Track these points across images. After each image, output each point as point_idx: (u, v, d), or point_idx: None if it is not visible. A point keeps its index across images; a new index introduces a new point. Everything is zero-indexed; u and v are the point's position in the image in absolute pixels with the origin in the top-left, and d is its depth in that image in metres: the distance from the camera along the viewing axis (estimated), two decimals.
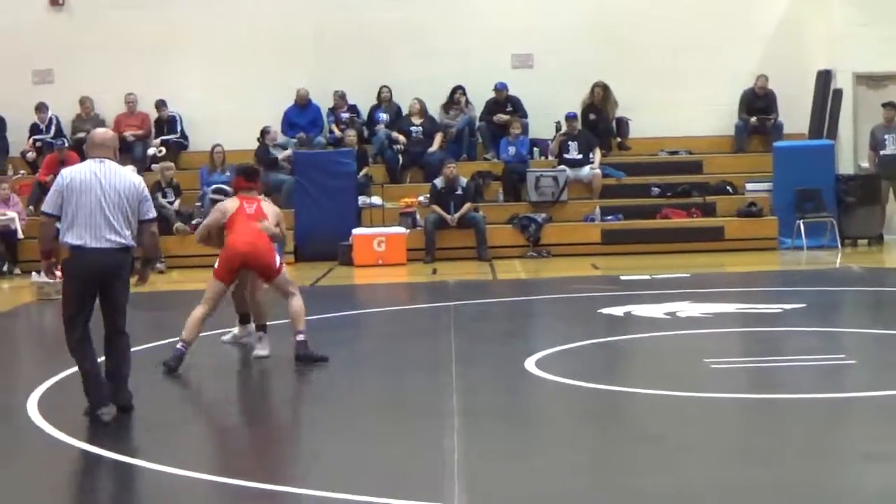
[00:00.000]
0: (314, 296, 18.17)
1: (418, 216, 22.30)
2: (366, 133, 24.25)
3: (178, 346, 11.34)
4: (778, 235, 22.27)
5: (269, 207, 11.97)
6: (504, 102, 24.18)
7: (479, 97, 24.27)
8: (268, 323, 12.20)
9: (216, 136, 23.31)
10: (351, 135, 23.45)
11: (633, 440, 8.59)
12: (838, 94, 23.50)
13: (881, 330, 13.01)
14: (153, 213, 9.58)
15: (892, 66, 23.64)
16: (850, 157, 23.83)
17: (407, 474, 7.76)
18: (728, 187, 23.43)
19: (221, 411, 10.34)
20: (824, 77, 23.67)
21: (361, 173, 23.02)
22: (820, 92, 23.69)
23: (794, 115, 23.94)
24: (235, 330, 12.97)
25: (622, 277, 18.41)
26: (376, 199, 22.85)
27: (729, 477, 7.53)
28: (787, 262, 20.67)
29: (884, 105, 22.75)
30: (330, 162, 22.73)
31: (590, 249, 22.06)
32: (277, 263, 11.58)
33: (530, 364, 11.17)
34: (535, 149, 24.05)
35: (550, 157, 23.68)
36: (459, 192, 21.96)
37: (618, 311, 14.55)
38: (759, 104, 24.26)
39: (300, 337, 11.52)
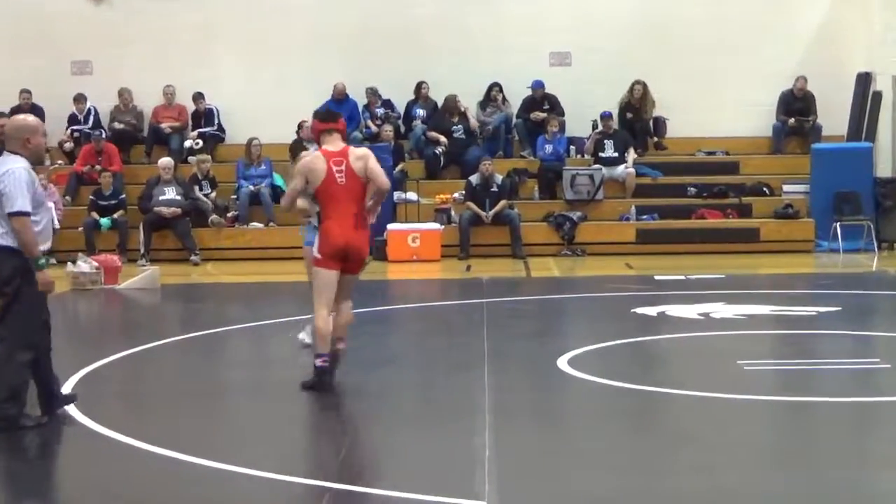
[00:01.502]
0: None
1: (453, 212, 22.29)
2: (402, 129, 24.26)
3: (318, 363, 10.24)
4: (814, 238, 22.17)
5: (357, 159, 10.22)
6: (541, 100, 24.14)
7: (518, 94, 24.25)
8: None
9: (253, 129, 23.37)
10: (388, 130, 23.47)
11: (665, 440, 8.57)
12: (877, 96, 23.38)
13: None
14: (14, 207, 8.82)
15: None
16: (889, 160, 23.70)
17: (438, 471, 7.75)
18: (765, 188, 23.33)
19: (254, 404, 10.33)
20: (864, 79, 23.54)
21: (397, 169, 23.02)
22: (859, 94, 23.57)
23: (833, 118, 23.82)
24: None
25: (656, 277, 18.37)
26: (412, 195, 22.86)
27: (764, 480, 7.49)
28: (823, 264, 20.57)
29: None
30: None
31: (624, 249, 22.02)
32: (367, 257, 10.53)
33: (563, 363, 11.15)
34: (571, 147, 24.01)
35: (587, 156, 23.63)
36: (495, 189, 21.94)
37: (651, 311, 14.51)
38: (797, 105, 24.15)
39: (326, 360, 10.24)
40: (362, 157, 10.23)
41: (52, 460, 8.42)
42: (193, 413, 9.67)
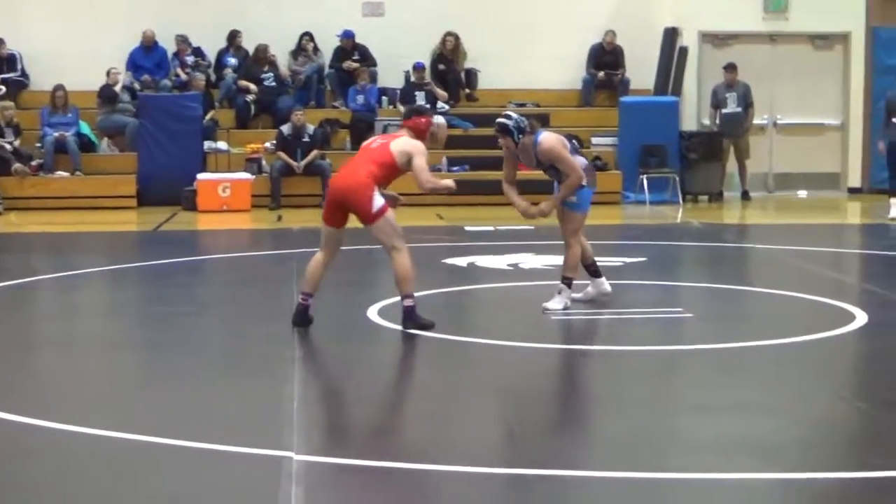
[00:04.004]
0: (156, 241, 17.99)
1: (264, 162, 22.12)
2: (213, 77, 23.94)
3: (299, 298, 10.41)
4: (621, 190, 22.54)
5: (398, 143, 10.46)
6: (351, 50, 24.04)
7: (331, 44, 24.10)
8: None
9: (59, 75, 22.81)
10: (199, 78, 23.13)
11: (475, 390, 8.64)
12: (684, 51, 23.82)
13: (718, 284, 13.30)
14: None
15: (737, 25, 24.07)
16: (694, 114, 24.20)
17: (246, 422, 7.70)
18: (574, 141, 23.59)
19: (62, 357, 10.11)
20: (671, 34, 23.95)
21: (207, 118, 22.74)
22: (666, 49, 23.97)
23: (641, 72, 24.17)
24: (588, 287, 11.89)
25: (466, 228, 18.50)
26: (222, 145, 22.60)
27: (572, 428, 7.61)
28: (630, 216, 20.94)
29: (724, 67, 23.16)
30: (175, 105, 22.41)
31: (436, 199, 22.02)
32: (375, 208, 10.21)
33: (373, 313, 11.17)
34: (383, 97, 23.98)
35: (399, 107, 23.62)
36: (306, 139, 21.81)
37: (461, 261, 14.61)
38: (606, 59, 24.48)
39: (408, 302, 10.33)
40: (408, 144, 10.48)
41: None
42: (7, 368, 9.44)
